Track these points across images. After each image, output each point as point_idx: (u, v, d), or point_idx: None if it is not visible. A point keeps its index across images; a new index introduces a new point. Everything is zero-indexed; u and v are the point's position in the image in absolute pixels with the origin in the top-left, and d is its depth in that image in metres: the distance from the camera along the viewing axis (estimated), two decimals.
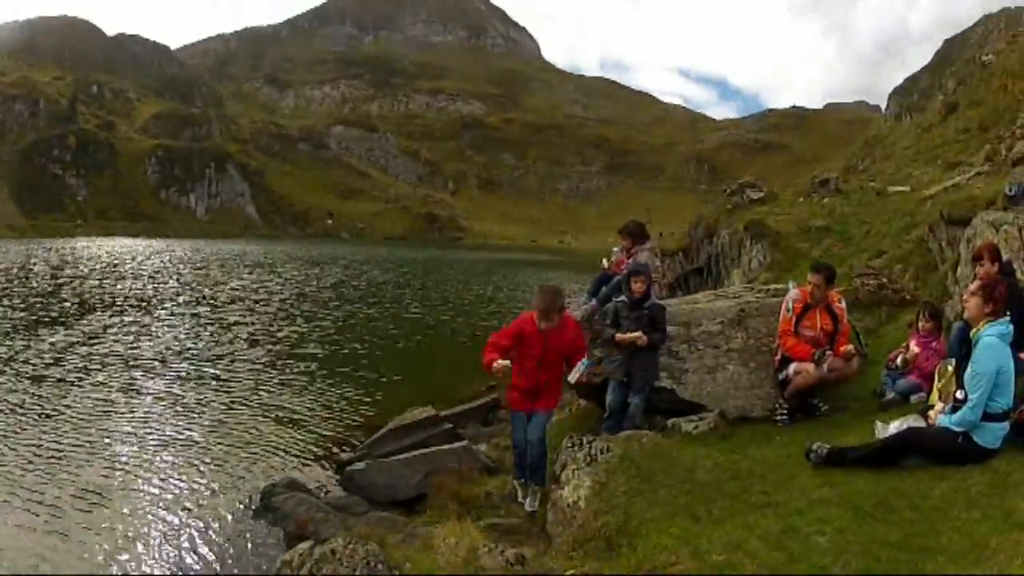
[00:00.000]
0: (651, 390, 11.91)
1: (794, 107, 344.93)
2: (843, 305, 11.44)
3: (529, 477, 10.49)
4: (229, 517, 11.88)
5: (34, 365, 22.31)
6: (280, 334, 29.82)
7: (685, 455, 9.78)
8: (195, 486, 13.16)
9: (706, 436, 11.13)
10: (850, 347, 11.35)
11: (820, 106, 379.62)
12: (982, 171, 25.71)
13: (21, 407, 17.69)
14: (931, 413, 9.05)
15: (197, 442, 15.72)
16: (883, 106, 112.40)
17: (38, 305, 36.31)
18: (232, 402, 19.14)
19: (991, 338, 8.32)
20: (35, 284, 46.21)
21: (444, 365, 26.93)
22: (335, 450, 15.70)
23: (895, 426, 9.10)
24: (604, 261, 14.08)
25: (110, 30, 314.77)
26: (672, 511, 8.05)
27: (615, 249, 14.53)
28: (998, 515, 7.01)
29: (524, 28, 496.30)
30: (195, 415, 17.80)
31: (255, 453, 15.13)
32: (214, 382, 21.29)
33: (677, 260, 35.66)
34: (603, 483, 8.87)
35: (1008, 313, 8.81)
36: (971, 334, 8.69)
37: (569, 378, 10.31)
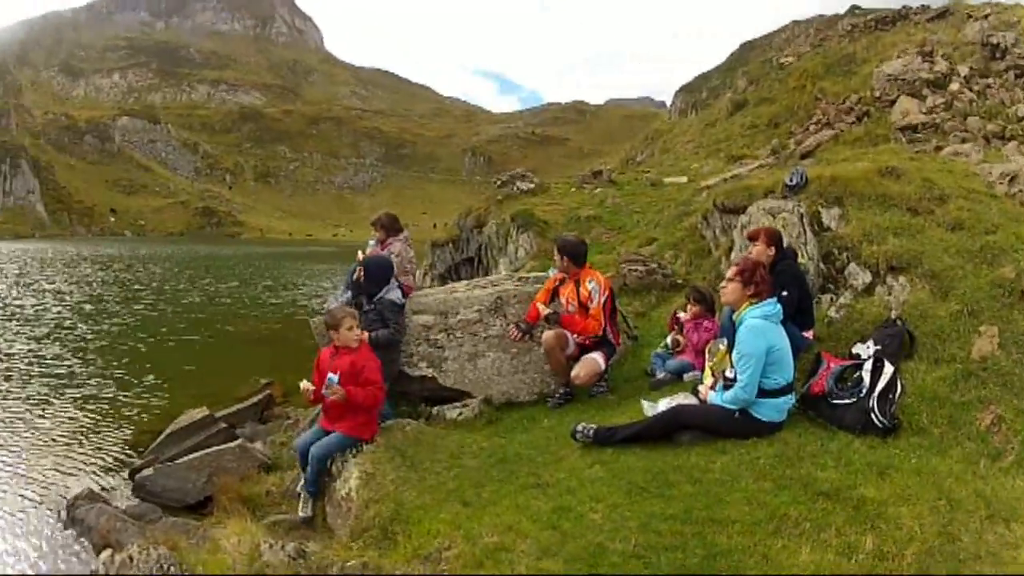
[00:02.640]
0: (398, 380, 12.00)
1: (575, 102, 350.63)
2: (592, 287, 11.32)
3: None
4: (37, 531, 11.41)
5: None
6: (65, 340, 28.75)
7: (450, 441, 9.80)
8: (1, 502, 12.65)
9: (471, 422, 11.20)
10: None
11: (603, 101, 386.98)
12: (765, 164, 26.33)
13: None
14: (701, 389, 9.13)
15: None
16: (668, 103, 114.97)
17: None
18: (21, 414, 18.27)
19: (756, 320, 8.47)
20: None
21: (221, 363, 26.56)
22: (124, 457, 15.24)
23: (664, 403, 9.12)
24: (360, 253, 13.99)
25: None
26: (442, 497, 8.05)
27: (370, 242, 14.57)
28: (795, 485, 7.18)
29: (310, 18, 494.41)
30: None
31: (52, 466, 14.46)
32: (1, 394, 20.44)
33: (447, 250, 35.73)
34: (371, 473, 8.91)
35: (785, 294, 9.04)
36: (734, 317, 8.83)
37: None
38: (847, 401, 8.66)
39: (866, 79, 29.04)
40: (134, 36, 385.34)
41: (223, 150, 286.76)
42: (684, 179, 32.81)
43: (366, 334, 10.42)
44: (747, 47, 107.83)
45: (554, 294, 11.78)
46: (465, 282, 15.89)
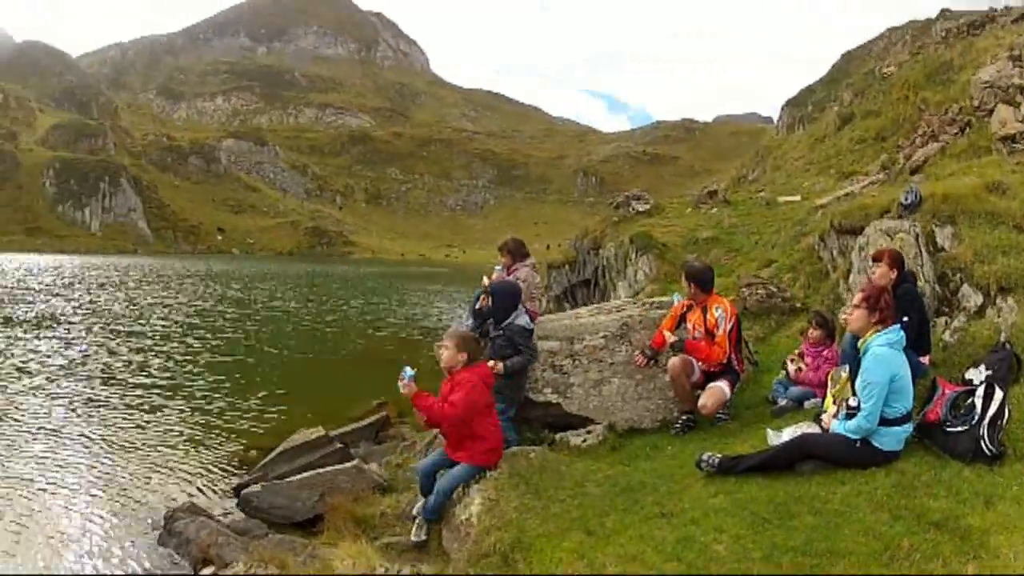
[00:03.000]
0: (523, 407, 11.96)
1: (684, 119, 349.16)
2: (718, 314, 11.26)
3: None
4: (135, 543, 11.50)
5: None
6: (174, 353, 29.13)
7: (575, 469, 9.70)
8: (98, 512, 12.68)
9: (595, 449, 11.12)
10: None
11: (711, 119, 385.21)
12: (876, 180, 25.95)
13: None
14: (824, 418, 8.98)
15: (94, 466, 15.16)
16: (776, 118, 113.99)
17: None
18: (127, 424, 18.54)
19: (881, 348, 8.30)
20: None
21: (333, 382, 26.56)
22: (231, 472, 15.33)
23: (788, 432, 9.03)
24: (485, 278, 13.94)
25: (18, 36, 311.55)
26: (565, 525, 7.94)
27: (496, 267, 14.45)
28: (908, 516, 7.03)
29: (415, 41, 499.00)
30: (91, 438, 17.16)
31: (154, 477, 14.67)
32: (106, 403, 20.62)
33: (564, 273, 35.62)
34: (494, 500, 8.76)
35: (906, 320, 8.86)
36: (859, 344, 8.69)
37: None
38: (960, 429, 8.44)
39: (964, 87, 28.45)
40: (235, 61, 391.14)
41: (332, 172, 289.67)
42: (798, 197, 32.48)
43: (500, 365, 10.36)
44: (847, 57, 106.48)
45: (680, 320, 11.73)
46: (589, 307, 15.90)
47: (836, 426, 8.56)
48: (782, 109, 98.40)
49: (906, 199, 14.81)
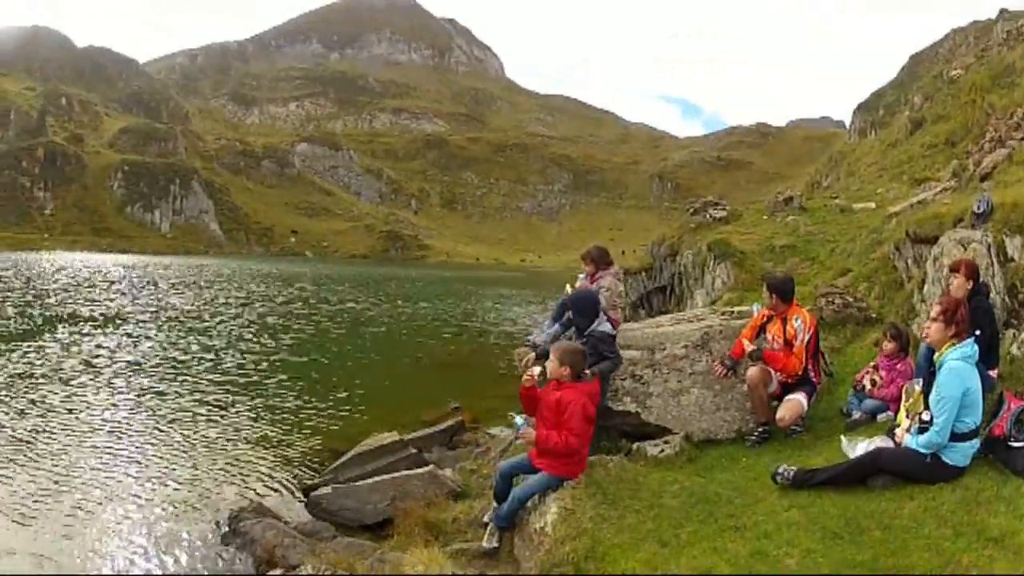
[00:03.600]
0: (602, 415, 11.67)
1: (758, 124, 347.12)
2: (797, 325, 11.31)
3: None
4: (198, 542, 11.61)
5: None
6: (246, 352, 29.50)
7: (651, 479, 9.71)
8: (162, 509, 12.83)
9: (672, 460, 11.07)
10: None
11: (784, 123, 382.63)
12: (948, 187, 25.74)
13: None
14: (897, 432, 9.01)
15: (162, 463, 15.36)
16: (847, 122, 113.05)
17: (12, 317, 36.33)
18: (195, 421, 18.76)
19: (956, 362, 8.33)
20: (6, 297, 45.89)
21: (407, 385, 26.53)
22: (300, 474, 15.37)
23: (863, 446, 9.08)
24: (568, 287, 13.96)
25: (80, 42, 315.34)
26: (640, 536, 8.00)
27: (580, 275, 14.43)
28: (970, 532, 7.08)
29: (488, 47, 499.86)
30: (158, 433, 17.42)
31: (221, 475, 14.80)
32: (176, 399, 20.91)
33: (640, 279, 35.62)
34: (569, 509, 8.70)
35: (977, 333, 8.82)
36: (935, 358, 8.70)
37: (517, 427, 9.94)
38: (1021, 444, 8.48)
39: None
40: (308, 67, 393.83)
41: (407, 176, 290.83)
42: (872, 204, 32.35)
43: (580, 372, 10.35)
44: (916, 60, 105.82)
45: (760, 330, 11.76)
46: (669, 316, 15.89)
47: (908, 440, 8.61)
48: (854, 113, 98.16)
49: (978, 208, 14.72)
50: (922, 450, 8.32)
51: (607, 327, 11.46)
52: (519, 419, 9.33)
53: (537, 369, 9.33)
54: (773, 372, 11.39)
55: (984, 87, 36.55)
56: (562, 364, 9.38)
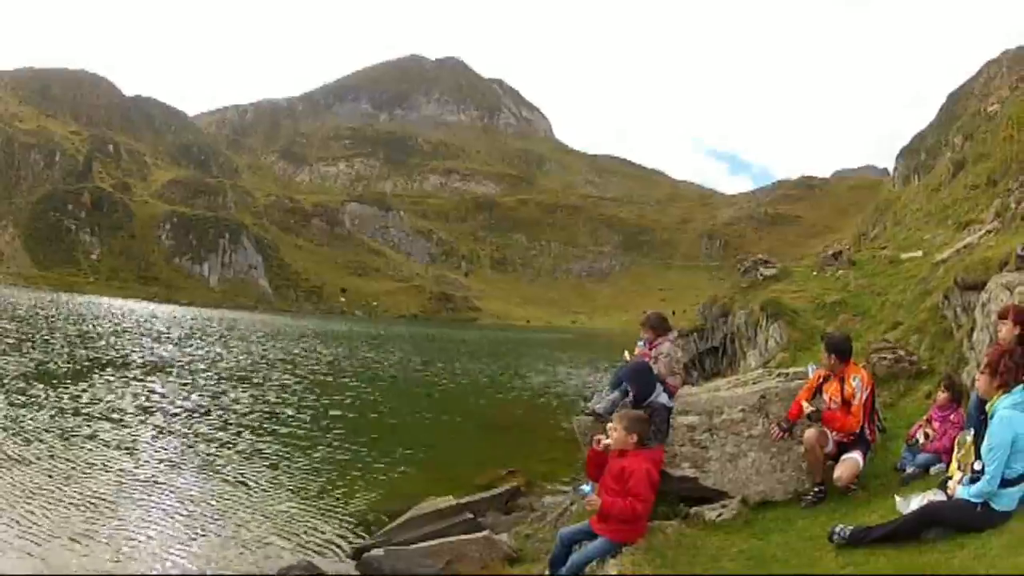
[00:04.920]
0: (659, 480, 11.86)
1: (803, 177, 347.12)
2: (855, 384, 11.25)
3: None
4: None
5: (43, 418, 22.44)
6: (300, 406, 29.85)
7: (710, 543, 9.79)
8: (207, 561, 12.96)
9: (729, 523, 11.08)
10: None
11: (829, 174, 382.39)
12: (992, 228, 25.64)
13: (23, 461, 17.60)
14: (950, 484, 9.01)
15: (211, 514, 15.51)
16: (891, 167, 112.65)
17: (57, 357, 37.06)
18: (246, 472, 19.01)
19: (1005, 411, 8.36)
20: (59, 337, 46.50)
21: (461, 446, 26.66)
22: (350, 534, 15.41)
23: (916, 501, 9.06)
24: (627, 353, 14.02)
25: (127, 90, 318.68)
26: None
27: (639, 342, 14.48)
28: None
29: (537, 108, 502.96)
30: (210, 485, 17.63)
31: (269, 531, 14.88)
32: (230, 453, 21.12)
33: (691, 340, 35.56)
34: (629, 574, 8.73)
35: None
36: (987, 408, 8.74)
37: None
38: None
39: None
40: (357, 126, 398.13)
41: (458, 237, 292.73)
42: (919, 253, 32.35)
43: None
44: (953, 98, 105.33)
45: (816, 391, 11.72)
46: (727, 379, 15.87)
47: (960, 491, 8.63)
48: (897, 159, 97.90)
49: (1022, 249, 14.66)
50: (974, 499, 8.33)
51: (664, 398, 11.68)
52: (586, 487, 9.40)
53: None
54: (830, 432, 11.36)
55: (1020, 121, 36.32)
56: (629, 432, 9.50)
